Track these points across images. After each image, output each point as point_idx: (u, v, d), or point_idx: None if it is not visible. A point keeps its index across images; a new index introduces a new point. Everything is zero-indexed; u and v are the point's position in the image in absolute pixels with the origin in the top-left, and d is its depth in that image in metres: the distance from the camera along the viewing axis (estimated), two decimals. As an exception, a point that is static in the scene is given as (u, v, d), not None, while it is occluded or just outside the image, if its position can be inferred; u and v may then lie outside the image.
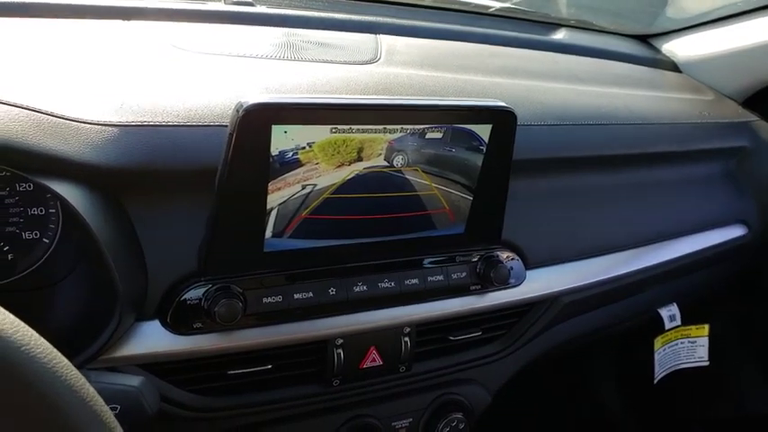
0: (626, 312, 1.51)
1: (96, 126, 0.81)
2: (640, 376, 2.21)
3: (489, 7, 1.77)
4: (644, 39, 1.90)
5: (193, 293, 0.88)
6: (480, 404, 1.26)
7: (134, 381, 0.67)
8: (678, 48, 1.81)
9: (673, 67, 1.79)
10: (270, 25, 1.27)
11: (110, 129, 0.81)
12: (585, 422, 2.39)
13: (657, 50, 1.85)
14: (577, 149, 1.25)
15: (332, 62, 1.14)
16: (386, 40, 1.30)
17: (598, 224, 1.31)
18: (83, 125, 0.80)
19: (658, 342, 1.59)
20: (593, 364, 2.32)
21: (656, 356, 1.59)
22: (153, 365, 0.89)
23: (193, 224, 0.88)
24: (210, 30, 1.19)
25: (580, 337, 1.45)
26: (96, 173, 0.80)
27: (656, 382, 1.62)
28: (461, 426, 1.20)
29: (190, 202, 0.89)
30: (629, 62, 1.70)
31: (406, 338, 1.06)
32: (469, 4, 1.73)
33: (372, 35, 1.32)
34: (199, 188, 0.87)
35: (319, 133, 0.85)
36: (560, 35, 1.73)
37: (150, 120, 0.85)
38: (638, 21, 2.16)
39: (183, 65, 1.01)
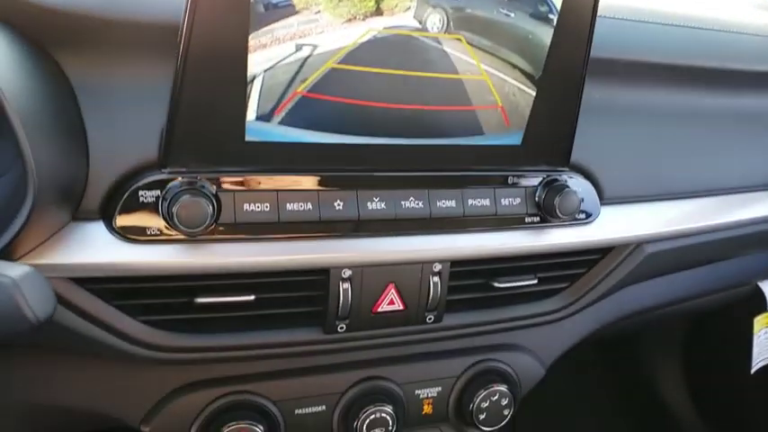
0: (718, 280, 1.22)
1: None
2: (719, 368, 1.92)
3: None
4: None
5: (149, 190, 0.66)
6: (530, 378, 0.99)
7: (12, 270, 0.46)
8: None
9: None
10: None
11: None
12: (640, 420, 2.12)
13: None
14: (676, 56, 0.96)
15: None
16: None
17: (694, 158, 1.02)
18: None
19: (759, 323, 1.28)
20: (655, 349, 2.04)
21: (756, 341, 1.28)
22: (95, 282, 0.67)
23: (154, 99, 0.66)
24: None
25: (655, 308, 1.16)
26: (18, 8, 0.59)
27: (753, 371, 1.31)
28: (504, 401, 0.94)
29: (150, 68, 0.67)
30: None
31: (436, 279, 0.81)
32: None
33: None
34: (161, 49, 0.65)
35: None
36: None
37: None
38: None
39: None
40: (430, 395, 0.93)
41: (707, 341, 1.96)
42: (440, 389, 0.93)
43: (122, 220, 0.66)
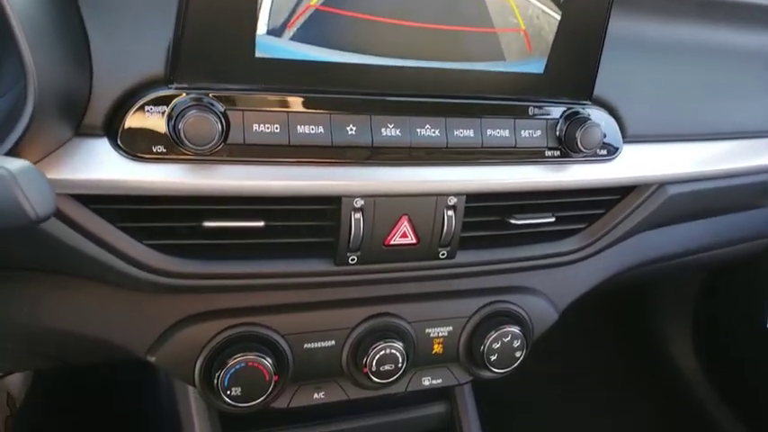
0: (737, 232, 1.18)
1: None
2: (728, 327, 1.90)
3: None
4: None
5: (155, 105, 0.63)
6: (543, 321, 0.97)
7: (11, 164, 0.43)
8: None
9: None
10: None
11: None
12: (646, 377, 2.12)
13: None
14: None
15: None
16: None
17: (722, 99, 0.97)
18: None
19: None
20: (664, 306, 2.03)
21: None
22: (99, 201, 0.65)
23: (161, 11, 0.63)
24: None
25: (672, 258, 1.13)
26: None
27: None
28: (517, 343, 0.92)
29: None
30: None
31: (451, 213, 0.78)
32: None
33: None
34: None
35: None
36: None
37: None
38: None
39: None
40: (440, 334, 0.91)
41: (718, 299, 1.94)
42: (451, 328, 0.91)
43: (127, 137, 0.63)
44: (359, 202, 0.73)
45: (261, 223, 0.71)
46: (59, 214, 0.63)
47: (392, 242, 0.77)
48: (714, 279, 1.97)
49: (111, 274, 0.69)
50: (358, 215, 0.74)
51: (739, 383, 1.94)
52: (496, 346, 0.91)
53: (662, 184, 0.90)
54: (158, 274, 0.70)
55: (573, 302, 1.01)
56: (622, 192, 0.90)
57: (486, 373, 0.94)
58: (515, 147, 0.78)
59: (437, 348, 0.92)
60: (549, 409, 2.13)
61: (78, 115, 0.62)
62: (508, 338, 0.91)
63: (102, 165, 0.63)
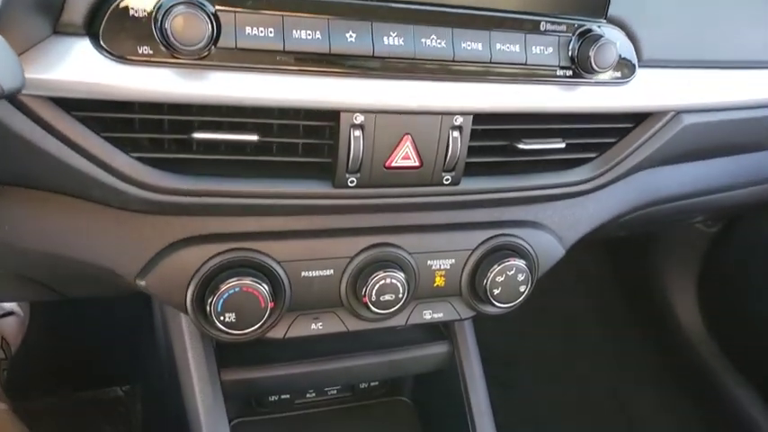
0: (752, 173, 1.14)
1: None
2: (733, 284, 1.88)
3: None
4: None
5: (140, 1, 0.58)
6: (549, 256, 0.94)
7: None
8: None
9: None
10: None
11: None
12: (648, 331, 2.12)
13: None
14: None
15: None
16: None
17: (743, 25, 0.92)
18: None
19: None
20: (670, 261, 2.01)
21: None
22: (81, 107, 0.61)
23: None
24: None
25: (683, 197, 1.09)
26: None
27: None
28: (521, 277, 0.89)
29: None
30: None
31: (456, 134, 0.74)
32: None
33: None
34: None
35: None
36: None
37: None
38: None
39: None
40: (443, 267, 0.88)
41: (725, 254, 1.91)
42: (453, 261, 0.88)
43: (110, 36, 0.58)
44: (359, 118, 0.69)
45: (254, 137, 0.67)
46: (38, 119, 0.59)
47: (394, 164, 0.73)
48: (721, 234, 1.94)
49: (96, 189, 0.66)
50: (357, 132, 0.69)
51: (743, 339, 1.93)
52: (500, 279, 0.88)
53: (677, 113, 0.86)
54: (146, 189, 0.66)
55: (580, 240, 0.98)
56: (636, 119, 0.85)
57: (489, 308, 0.92)
58: (525, 64, 0.74)
59: (439, 281, 0.89)
60: (549, 362, 2.13)
61: (56, 10, 0.57)
62: (512, 272, 0.88)
63: (83, 66, 0.58)
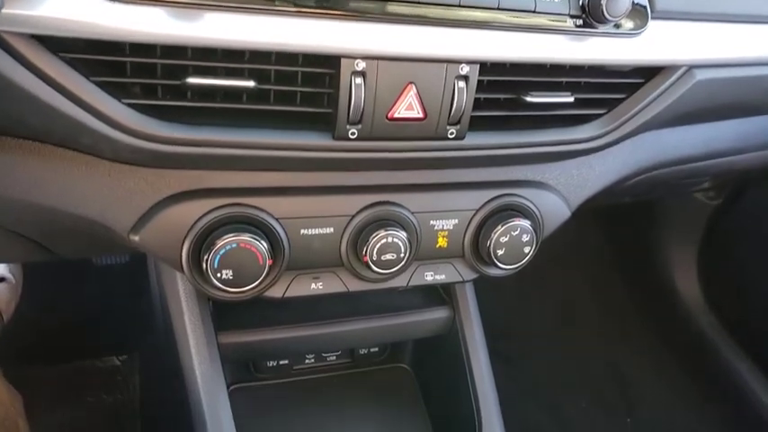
0: (764, 136, 1.11)
1: None
2: (732, 255, 1.87)
3: None
4: None
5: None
6: (555, 217, 0.92)
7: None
8: None
9: None
10: None
11: None
12: (646, 306, 2.11)
13: None
14: None
15: None
16: None
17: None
18: None
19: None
20: (670, 230, 1.99)
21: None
22: (68, 47, 0.58)
23: None
24: None
25: (691, 160, 1.07)
26: None
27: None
28: (526, 237, 0.86)
29: None
30: None
31: (462, 84, 0.71)
32: None
33: None
34: None
35: None
36: None
37: None
38: None
39: None
40: (445, 227, 0.86)
41: (728, 226, 1.89)
42: (456, 221, 0.86)
43: (97, -31, 0.55)
44: (360, 65, 0.66)
45: (251, 83, 0.64)
46: (22, 59, 0.56)
47: (396, 115, 0.70)
48: (723, 206, 1.93)
49: (87, 137, 0.63)
50: (359, 80, 0.66)
51: (743, 311, 1.92)
52: (504, 240, 0.85)
53: (690, 68, 0.83)
54: (139, 137, 0.64)
55: (586, 201, 0.96)
56: (647, 74, 0.82)
57: (493, 270, 0.90)
58: (534, 11, 0.70)
59: (441, 242, 0.86)
60: (547, 336, 2.13)
61: None
62: (517, 232, 0.86)
63: (70, 3, 0.55)
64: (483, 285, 1.11)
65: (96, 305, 1.74)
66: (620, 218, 2.18)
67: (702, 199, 1.93)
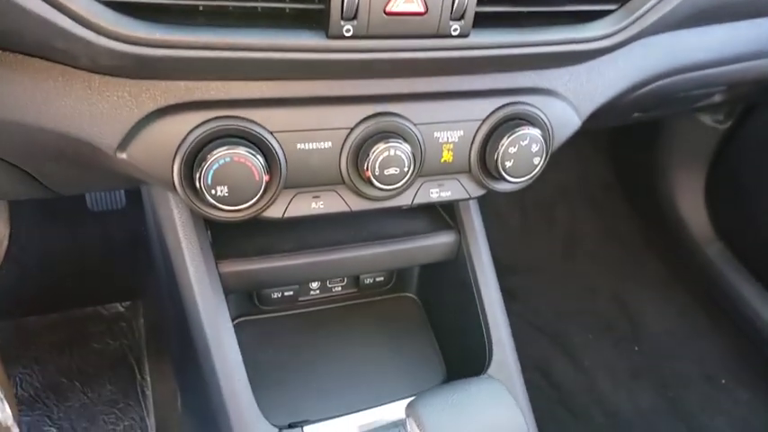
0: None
1: None
2: (741, 185, 1.83)
3: None
4: None
5: None
6: (565, 127, 0.87)
7: None
8: None
9: None
10: None
11: None
12: (653, 234, 2.09)
13: None
14: None
15: None
16: None
17: None
18: None
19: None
20: (676, 157, 1.95)
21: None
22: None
23: None
24: None
25: (706, 66, 1.01)
26: None
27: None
28: (535, 148, 0.82)
29: None
30: None
31: (465, -26, 0.65)
32: None
33: None
34: None
35: None
36: None
37: None
38: None
39: None
40: (450, 140, 0.81)
41: (736, 151, 1.85)
42: (462, 133, 0.81)
43: None
44: (354, -48, 0.60)
45: (237, -25, 0.58)
46: None
47: (395, 8, 0.65)
48: (731, 130, 1.88)
49: (60, 39, 0.57)
50: (353, -31, 0.61)
51: (751, 238, 1.90)
52: (512, 150, 0.81)
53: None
54: (117, 39, 0.58)
55: (596, 111, 0.91)
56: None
57: (501, 185, 0.86)
58: None
59: (446, 156, 0.82)
60: (552, 268, 2.11)
61: None
62: (526, 142, 0.81)
63: None
64: (489, 220, 1.07)
65: (95, 253, 1.72)
66: (627, 148, 2.13)
67: (710, 123, 1.88)
